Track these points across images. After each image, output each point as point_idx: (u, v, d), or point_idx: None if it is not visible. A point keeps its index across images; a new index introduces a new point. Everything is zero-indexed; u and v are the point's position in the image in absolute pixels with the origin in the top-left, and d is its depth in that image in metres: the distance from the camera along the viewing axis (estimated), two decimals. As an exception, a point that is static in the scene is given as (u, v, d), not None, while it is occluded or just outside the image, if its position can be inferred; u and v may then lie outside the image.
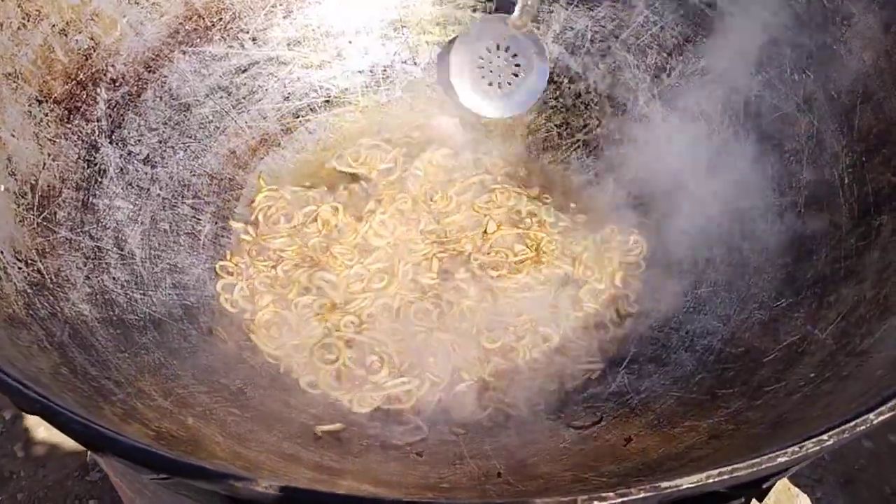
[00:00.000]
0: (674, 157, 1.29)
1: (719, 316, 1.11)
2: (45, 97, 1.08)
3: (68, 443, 1.89)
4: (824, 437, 0.58)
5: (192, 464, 0.52)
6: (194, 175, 1.24)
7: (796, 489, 1.77)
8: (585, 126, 1.39)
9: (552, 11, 1.40)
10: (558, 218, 1.30)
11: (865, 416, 0.59)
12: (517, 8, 1.33)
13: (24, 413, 0.63)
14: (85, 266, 1.01)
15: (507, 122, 1.42)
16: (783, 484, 1.76)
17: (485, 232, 1.27)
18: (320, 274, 1.20)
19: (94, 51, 1.16)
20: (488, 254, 1.24)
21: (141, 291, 1.06)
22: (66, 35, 1.12)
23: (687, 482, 0.55)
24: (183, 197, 1.21)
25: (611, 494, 0.54)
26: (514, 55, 1.38)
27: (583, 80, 1.40)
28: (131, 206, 1.14)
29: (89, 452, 1.87)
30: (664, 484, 0.55)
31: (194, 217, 1.21)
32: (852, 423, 0.59)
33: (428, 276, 1.21)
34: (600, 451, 0.93)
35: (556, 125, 1.41)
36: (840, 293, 0.99)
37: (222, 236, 1.23)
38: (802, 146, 1.16)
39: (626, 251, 1.26)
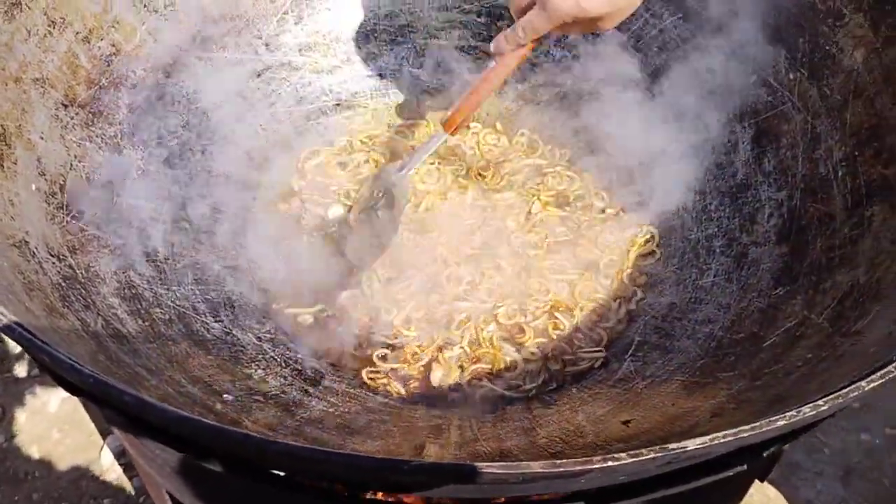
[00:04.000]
0: (674, 154, 1.34)
1: (720, 304, 1.16)
2: (70, 101, 1.12)
3: (82, 444, 1.92)
4: (820, 402, 0.62)
5: (245, 434, 0.56)
6: (212, 176, 1.29)
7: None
8: (586, 127, 1.43)
9: (555, 16, 1.45)
10: (606, 203, 1.36)
11: (858, 384, 0.64)
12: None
13: (71, 394, 0.67)
14: (112, 262, 1.06)
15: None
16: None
17: (529, 212, 1.33)
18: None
19: (116, 57, 1.20)
20: (529, 232, 1.30)
21: (165, 287, 1.11)
22: (88, 42, 1.17)
23: (693, 444, 0.59)
24: (202, 197, 1.26)
25: (623, 455, 0.58)
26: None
27: (586, 82, 1.45)
28: (153, 206, 1.18)
29: (102, 453, 1.91)
30: (672, 445, 0.59)
31: (213, 217, 1.26)
32: (846, 391, 0.63)
33: (469, 247, 1.27)
34: (608, 432, 0.97)
35: (558, 125, 1.45)
36: (835, 280, 1.03)
37: (240, 234, 1.27)
38: (798, 141, 1.21)
39: (643, 242, 1.31)
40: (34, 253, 0.93)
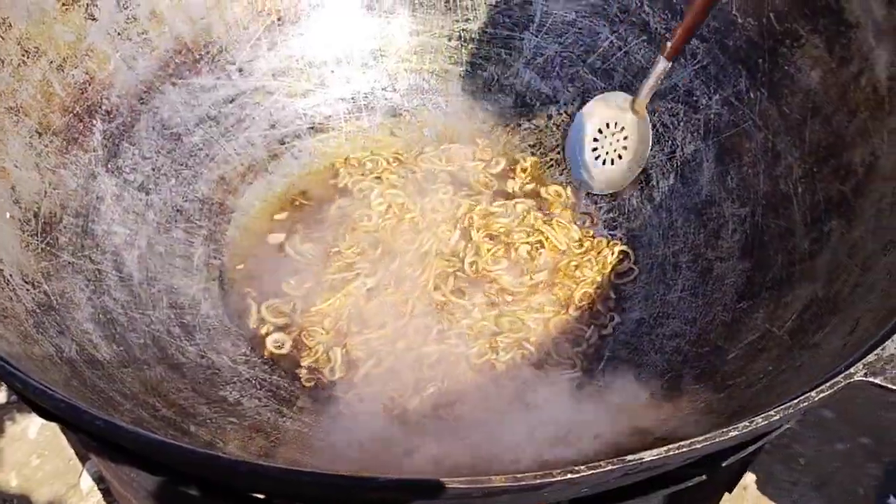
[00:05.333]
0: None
1: (686, 319, 1.18)
2: (44, 129, 1.13)
3: (62, 469, 1.92)
4: (771, 412, 0.65)
5: (214, 455, 0.58)
6: (186, 200, 1.30)
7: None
8: (557, 146, 1.47)
9: (523, 39, 1.48)
10: (582, 233, 1.38)
11: (808, 394, 0.66)
12: (642, 93, 1.34)
13: (44, 420, 0.68)
14: (87, 288, 1.07)
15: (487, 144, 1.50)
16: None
17: (510, 250, 1.34)
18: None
19: (90, 85, 1.22)
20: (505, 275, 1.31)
21: (140, 311, 1.12)
22: (62, 70, 1.18)
23: (649, 455, 0.61)
24: (176, 221, 1.27)
25: (582, 468, 0.60)
26: (625, 136, 1.39)
27: (554, 103, 1.48)
28: (128, 231, 1.20)
29: (82, 478, 1.90)
30: (629, 457, 0.61)
31: (187, 240, 1.27)
32: (796, 401, 0.66)
33: (440, 294, 1.27)
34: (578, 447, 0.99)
35: (529, 145, 1.48)
36: (795, 294, 1.06)
37: (214, 258, 1.29)
38: (759, 159, 1.24)
39: (615, 261, 1.33)
40: (8, 280, 0.94)
